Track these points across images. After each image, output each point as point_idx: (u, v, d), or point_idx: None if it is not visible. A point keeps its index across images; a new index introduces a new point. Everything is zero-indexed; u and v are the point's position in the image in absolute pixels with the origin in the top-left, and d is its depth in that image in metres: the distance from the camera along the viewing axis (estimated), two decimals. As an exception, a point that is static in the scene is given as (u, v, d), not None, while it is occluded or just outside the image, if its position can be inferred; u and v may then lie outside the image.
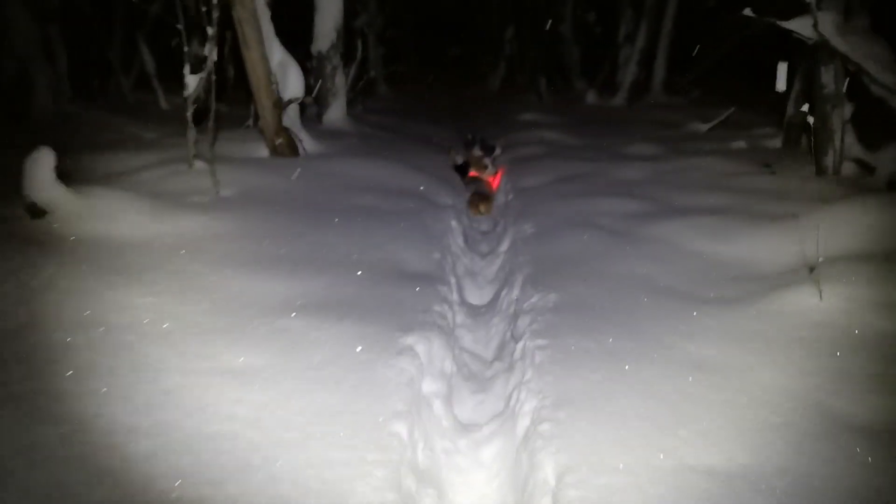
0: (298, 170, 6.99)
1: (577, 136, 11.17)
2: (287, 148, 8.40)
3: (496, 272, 6.16)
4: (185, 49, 6.64)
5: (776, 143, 10.06)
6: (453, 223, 6.56)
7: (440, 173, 8.33)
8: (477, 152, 9.43)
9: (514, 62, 22.41)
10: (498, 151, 9.83)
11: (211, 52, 6.76)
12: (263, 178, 6.78)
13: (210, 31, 6.67)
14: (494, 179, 9.16)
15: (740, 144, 9.98)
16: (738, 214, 5.99)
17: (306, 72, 10.61)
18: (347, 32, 12.16)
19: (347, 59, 13.48)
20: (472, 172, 9.01)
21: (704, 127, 12.15)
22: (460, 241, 6.42)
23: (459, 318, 4.80)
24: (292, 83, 8.53)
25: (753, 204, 6.30)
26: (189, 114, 6.70)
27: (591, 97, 16.58)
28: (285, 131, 8.44)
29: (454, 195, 7.81)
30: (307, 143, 8.73)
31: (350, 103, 13.68)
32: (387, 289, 4.38)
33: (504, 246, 6.39)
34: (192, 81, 6.65)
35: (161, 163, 6.88)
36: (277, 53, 8.29)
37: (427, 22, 24.98)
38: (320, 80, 10.93)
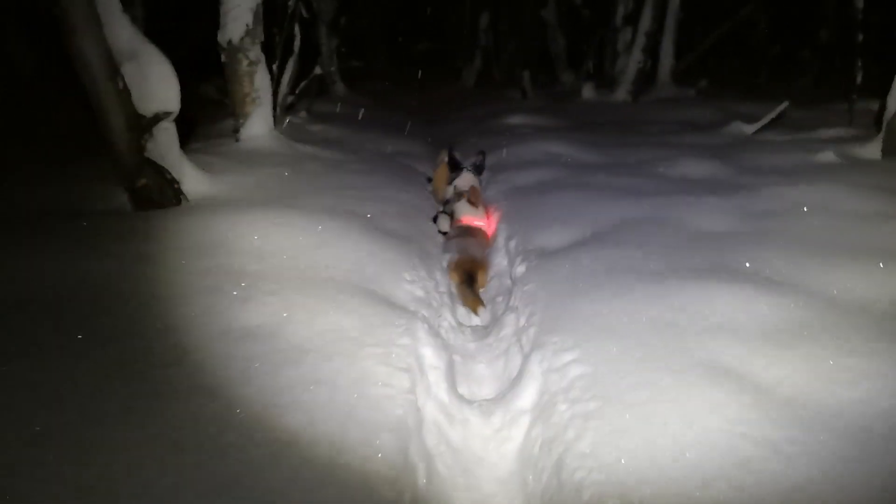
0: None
1: (590, 147, 7.90)
2: (156, 192, 5.06)
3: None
4: None
5: (872, 151, 6.89)
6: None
7: (411, 230, 5.03)
8: (464, 179, 6.16)
9: (491, 54, 19.08)
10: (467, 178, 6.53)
11: None
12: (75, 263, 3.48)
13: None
14: (489, 224, 5.88)
15: (829, 157, 6.75)
16: None
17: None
18: (279, 15, 8.84)
19: (285, 52, 10.18)
20: (464, 219, 5.71)
21: (749, 128, 8.94)
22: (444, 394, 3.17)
23: None
24: (159, 88, 5.14)
25: None
26: None
27: (587, 92, 13.33)
28: (151, 167, 5.09)
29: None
30: (192, 181, 5.37)
31: (288, 109, 10.35)
32: None
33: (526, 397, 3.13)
34: None
35: None
36: (125, 38, 4.88)
37: (392, 12, 21.48)
38: (233, 83, 7.54)
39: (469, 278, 4.96)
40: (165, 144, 5.36)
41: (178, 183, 5.28)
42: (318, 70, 10.51)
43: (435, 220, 5.85)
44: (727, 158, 6.89)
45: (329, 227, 4.38)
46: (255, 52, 7.59)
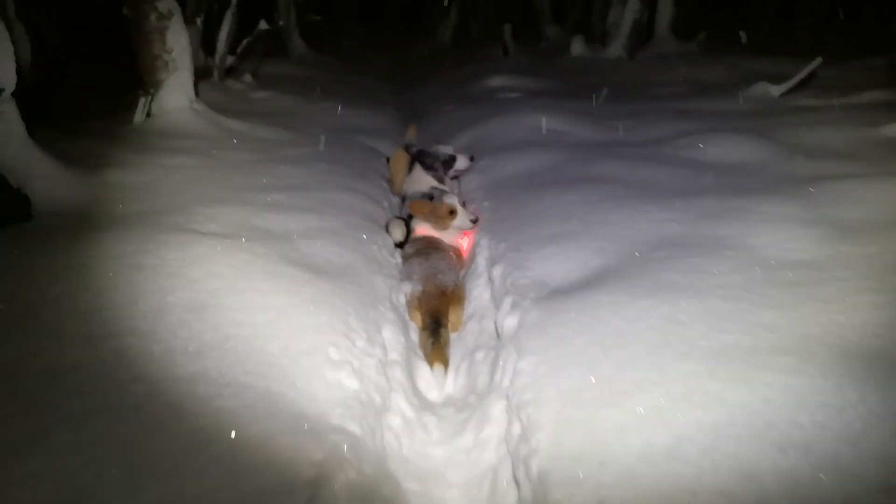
0: None
1: (589, 119, 6.33)
2: (-13, 203, 3.46)
3: None
4: None
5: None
6: None
7: (352, 256, 3.49)
8: (431, 179, 4.64)
9: (468, 8, 17.23)
10: (463, 164, 4.97)
11: None
12: None
13: None
14: (463, 243, 4.34)
15: (894, 130, 5.23)
16: None
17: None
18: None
19: (222, 6, 8.44)
20: (421, 230, 4.17)
21: (777, 90, 7.38)
22: None
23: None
24: (-20, 54, 3.50)
25: None
26: None
27: (577, 47, 11.65)
28: (-26, 167, 3.46)
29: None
30: (45, 184, 3.76)
31: (229, 72, 8.62)
32: None
33: None
34: None
35: None
36: None
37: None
38: (140, 43, 5.86)
39: (435, 323, 3.41)
40: (5, 132, 3.73)
41: (22, 188, 3.66)
42: (263, 24, 8.73)
43: (387, 228, 4.27)
44: (765, 133, 5.32)
45: (217, 271, 2.80)
46: (167, 2, 5.88)
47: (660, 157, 4.87)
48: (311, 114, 7.33)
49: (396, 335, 3.06)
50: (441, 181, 4.77)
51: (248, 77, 9.02)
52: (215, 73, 8.35)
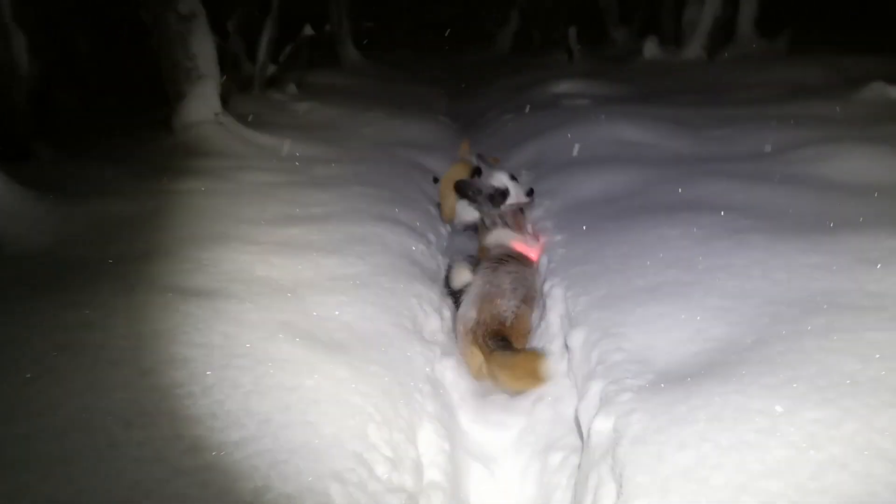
0: None
1: (675, 127, 5.33)
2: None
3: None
4: None
5: None
6: None
7: (384, 352, 2.57)
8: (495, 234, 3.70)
9: (528, 13, 16.25)
10: (516, 198, 3.91)
11: None
12: None
13: None
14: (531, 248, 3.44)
15: None
16: None
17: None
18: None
19: (263, 11, 7.75)
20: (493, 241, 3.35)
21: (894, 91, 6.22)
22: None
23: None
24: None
25: None
26: None
27: (650, 49, 10.57)
28: None
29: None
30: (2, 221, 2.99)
31: (271, 83, 7.89)
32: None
33: None
34: None
35: None
36: None
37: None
38: (161, 49, 5.14)
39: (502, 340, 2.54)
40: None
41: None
42: (308, 30, 8.00)
43: (447, 278, 3.32)
44: (901, 143, 4.22)
45: (182, 356, 1.94)
46: (189, 2, 5.14)
47: (777, 175, 3.83)
48: (355, 126, 6.51)
49: (440, 440, 2.13)
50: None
51: (291, 87, 8.31)
52: (255, 83, 7.65)
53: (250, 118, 6.02)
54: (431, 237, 3.74)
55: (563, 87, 8.04)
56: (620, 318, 2.49)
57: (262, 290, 2.50)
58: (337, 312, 2.47)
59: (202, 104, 5.21)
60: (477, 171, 3.98)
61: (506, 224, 3.60)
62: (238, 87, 7.50)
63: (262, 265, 2.74)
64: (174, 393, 1.87)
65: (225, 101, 5.87)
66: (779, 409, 1.79)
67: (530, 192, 3.83)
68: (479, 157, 4.16)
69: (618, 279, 2.76)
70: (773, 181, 3.71)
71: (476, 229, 3.84)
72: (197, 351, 2.01)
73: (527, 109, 6.89)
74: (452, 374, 2.67)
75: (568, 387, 2.59)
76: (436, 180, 4.47)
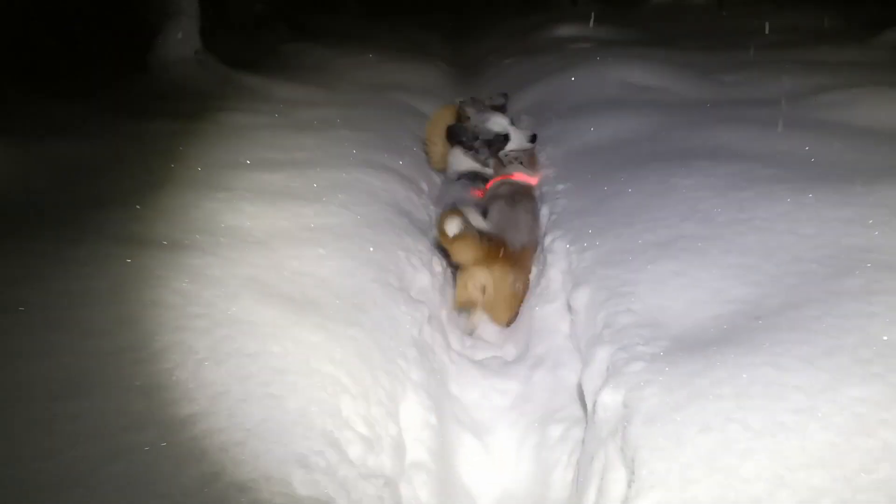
0: None
1: (687, 71, 5.03)
2: None
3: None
4: None
5: None
6: None
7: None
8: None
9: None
10: (519, 144, 3.63)
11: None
12: None
13: None
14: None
15: None
16: None
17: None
18: None
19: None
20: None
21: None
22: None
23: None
24: None
25: None
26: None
27: (657, -7, 10.04)
28: None
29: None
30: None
31: (261, 22, 7.49)
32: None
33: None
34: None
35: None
36: None
37: None
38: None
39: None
40: None
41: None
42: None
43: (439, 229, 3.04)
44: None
45: (126, 315, 1.68)
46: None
47: (800, 121, 3.51)
48: (348, 69, 6.13)
49: (426, 413, 1.88)
50: (486, 165, 3.53)
51: (282, 27, 7.89)
52: (244, 22, 7.24)
53: (235, 58, 5.67)
54: (423, 186, 3.45)
55: (567, 30, 7.62)
56: (630, 277, 2.22)
57: (230, 241, 2.22)
58: (312, 267, 2.19)
59: (181, 41, 4.84)
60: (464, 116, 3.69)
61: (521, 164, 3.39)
62: (225, 26, 7.10)
63: (232, 213, 2.45)
64: (118, 359, 1.61)
65: (209, 39, 5.51)
66: (812, 376, 1.54)
67: (533, 138, 3.54)
68: (473, 99, 3.85)
69: (626, 233, 2.48)
70: (794, 128, 3.40)
71: (471, 178, 3.54)
72: (148, 310, 1.74)
73: (528, 53, 6.51)
74: (442, 337, 2.40)
75: (569, 350, 2.33)
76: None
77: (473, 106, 3.80)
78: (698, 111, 3.86)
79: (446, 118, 3.84)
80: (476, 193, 3.37)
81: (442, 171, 3.85)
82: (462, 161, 3.60)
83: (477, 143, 3.42)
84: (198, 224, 2.31)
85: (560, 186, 3.08)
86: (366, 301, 2.11)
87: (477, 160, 3.54)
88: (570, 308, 2.38)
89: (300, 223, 2.48)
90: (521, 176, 3.40)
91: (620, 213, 2.65)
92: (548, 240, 2.74)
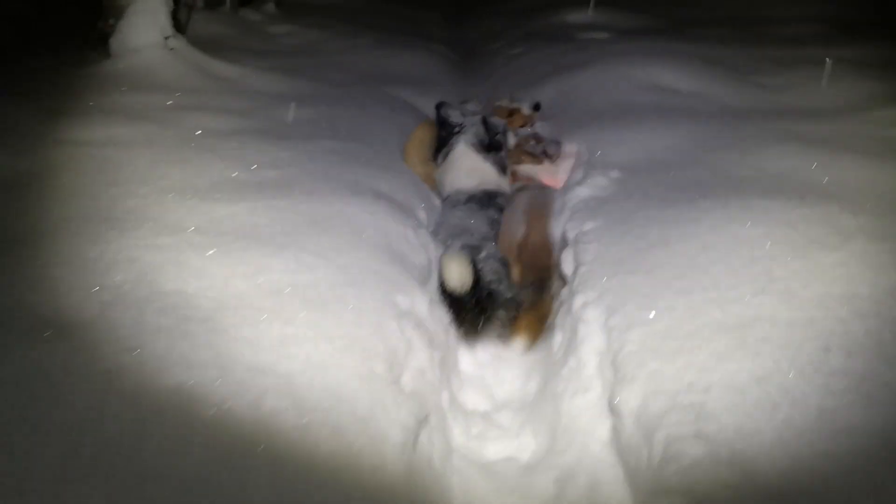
0: None
1: (720, 71, 4.35)
2: None
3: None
4: None
5: None
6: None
7: None
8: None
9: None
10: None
11: None
12: None
13: None
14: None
15: None
16: None
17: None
18: None
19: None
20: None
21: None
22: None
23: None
24: None
25: None
26: None
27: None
28: None
29: None
30: None
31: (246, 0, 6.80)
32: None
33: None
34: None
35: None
36: None
37: None
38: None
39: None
40: None
41: None
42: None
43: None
44: None
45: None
46: None
47: (864, 144, 2.92)
48: (339, 53, 5.49)
49: None
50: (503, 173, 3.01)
51: (270, 6, 7.18)
52: (226, 0, 6.55)
53: (213, 42, 5.02)
54: (421, 214, 2.83)
55: (578, 16, 6.94)
56: (696, 378, 1.65)
57: (161, 320, 1.63)
58: (272, 358, 1.61)
59: (147, 25, 4.19)
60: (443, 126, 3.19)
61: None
62: (205, 4, 6.41)
63: (175, 270, 1.86)
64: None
65: (182, 20, 4.86)
66: None
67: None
68: (443, 104, 3.35)
69: (683, 305, 1.90)
70: (860, 153, 2.81)
71: (480, 201, 2.97)
72: None
73: (537, 41, 5.86)
74: (442, 436, 1.83)
75: (611, 466, 1.77)
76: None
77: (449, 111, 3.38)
78: (743, 125, 3.26)
79: (425, 135, 3.29)
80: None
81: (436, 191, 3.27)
82: (469, 175, 3.04)
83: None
84: (123, 292, 1.72)
85: (588, 225, 2.49)
86: (342, 414, 1.53)
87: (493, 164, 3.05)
88: (611, 407, 1.81)
89: (262, 283, 1.89)
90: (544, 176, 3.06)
91: (671, 272, 2.07)
92: (577, 302, 2.16)
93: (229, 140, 2.99)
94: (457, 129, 3.14)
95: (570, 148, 3.34)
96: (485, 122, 3.18)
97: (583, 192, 2.76)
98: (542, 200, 3.05)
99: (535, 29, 6.67)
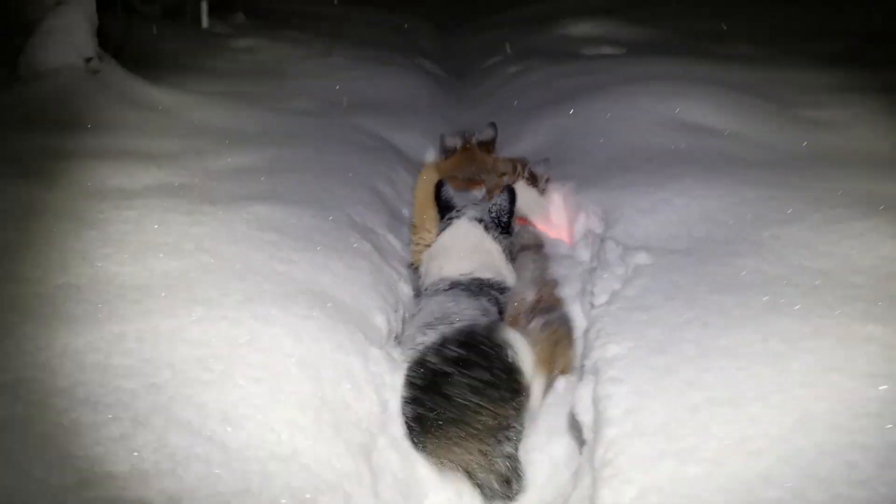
0: None
1: (758, 102, 3.56)
2: None
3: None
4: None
5: None
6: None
7: None
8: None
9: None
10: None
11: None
12: None
13: None
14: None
15: None
16: None
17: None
18: None
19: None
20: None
21: None
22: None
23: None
24: None
25: None
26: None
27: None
28: None
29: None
30: None
31: (214, 8, 6.04)
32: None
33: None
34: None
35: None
36: None
37: None
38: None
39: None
40: None
41: None
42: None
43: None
44: None
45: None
46: None
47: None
48: (307, 75, 4.71)
49: None
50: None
51: (239, 16, 6.42)
52: (187, 10, 5.79)
53: (160, 60, 4.26)
54: (379, 321, 2.03)
55: (582, 28, 6.20)
56: None
57: None
58: None
59: (64, 43, 3.42)
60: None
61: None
62: (163, 13, 5.66)
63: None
64: None
65: (125, 32, 4.11)
66: None
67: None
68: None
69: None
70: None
71: (468, 288, 2.21)
72: None
73: (537, 58, 5.09)
74: None
75: None
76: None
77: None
78: (805, 182, 2.48)
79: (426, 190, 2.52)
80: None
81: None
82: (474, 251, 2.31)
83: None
84: None
85: (612, 350, 1.71)
86: None
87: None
88: None
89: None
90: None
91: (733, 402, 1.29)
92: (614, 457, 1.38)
93: (133, 209, 2.20)
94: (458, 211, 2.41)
95: (562, 188, 2.67)
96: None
97: (598, 290, 1.98)
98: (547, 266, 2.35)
99: (536, 42, 5.91)
